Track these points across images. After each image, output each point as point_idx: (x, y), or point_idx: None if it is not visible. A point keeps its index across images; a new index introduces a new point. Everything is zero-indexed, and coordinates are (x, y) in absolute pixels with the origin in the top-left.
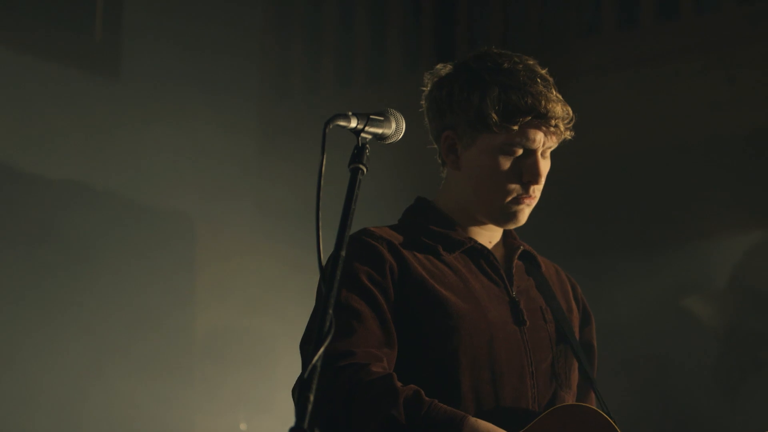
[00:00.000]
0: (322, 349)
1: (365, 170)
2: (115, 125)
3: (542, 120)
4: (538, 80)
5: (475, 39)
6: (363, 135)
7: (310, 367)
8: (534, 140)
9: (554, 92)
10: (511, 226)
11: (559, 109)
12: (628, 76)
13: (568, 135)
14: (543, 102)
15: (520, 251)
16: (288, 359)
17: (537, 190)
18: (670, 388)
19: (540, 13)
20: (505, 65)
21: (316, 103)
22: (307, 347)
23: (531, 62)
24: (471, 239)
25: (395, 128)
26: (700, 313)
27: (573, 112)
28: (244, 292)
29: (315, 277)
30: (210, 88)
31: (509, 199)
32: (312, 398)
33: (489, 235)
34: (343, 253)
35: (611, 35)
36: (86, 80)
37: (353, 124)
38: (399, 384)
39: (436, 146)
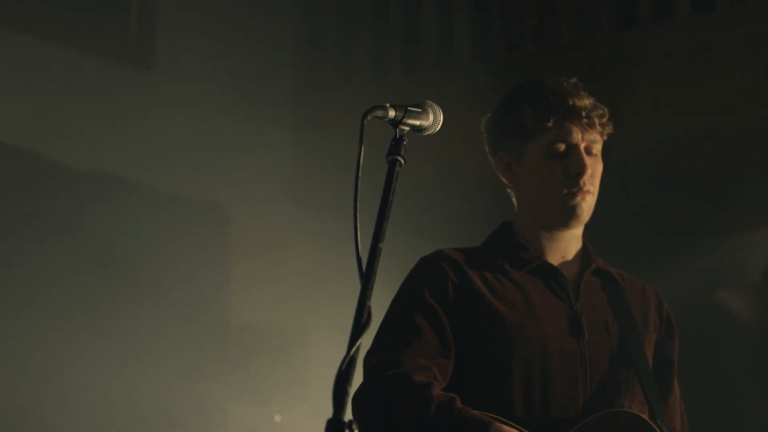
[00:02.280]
0: (359, 341)
1: (403, 162)
2: (149, 117)
3: (574, 114)
4: (564, 84)
5: (509, 31)
6: (401, 127)
7: (347, 358)
8: (571, 134)
9: (583, 92)
10: (576, 224)
11: (588, 103)
12: (664, 67)
13: (608, 129)
14: (570, 98)
15: (592, 268)
16: (322, 352)
17: (589, 184)
18: (703, 382)
19: (575, 4)
20: (535, 81)
21: (351, 94)
22: (371, 359)
23: (561, 78)
24: (539, 258)
25: (433, 120)
26: (734, 306)
27: (607, 109)
28: (278, 284)
29: (352, 270)
30: (245, 80)
31: (563, 195)
32: (349, 390)
33: (562, 251)
34: (381, 245)
35: (646, 27)
36: (121, 72)
37: (391, 115)
38: (437, 392)
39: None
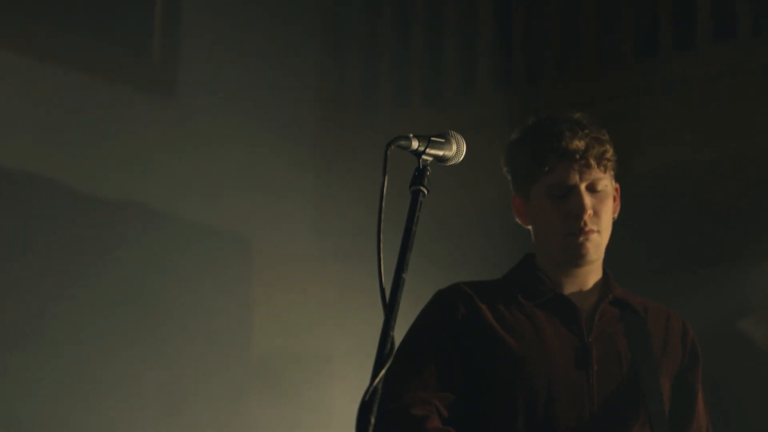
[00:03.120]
0: (383, 372)
1: (426, 192)
2: (171, 146)
3: (569, 156)
4: (563, 124)
5: (531, 60)
6: (424, 157)
7: (371, 388)
8: (568, 175)
9: (583, 131)
10: (583, 263)
11: (583, 144)
12: (687, 95)
13: (611, 164)
14: (565, 140)
15: (609, 298)
16: (345, 382)
17: (592, 223)
18: (723, 411)
19: (596, 34)
20: (535, 124)
21: (374, 123)
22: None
23: (568, 115)
24: (553, 290)
25: (456, 150)
26: (757, 335)
27: (609, 145)
28: (302, 315)
29: (375, 301)
30: (267, 109)
31: (566, 235)
32: (372, 420)
33: (579, 284)
34: (405, 276)
35: (669, 56)
36: (143, 101)
37: (414, 145)
38: (434, 425)
39: None
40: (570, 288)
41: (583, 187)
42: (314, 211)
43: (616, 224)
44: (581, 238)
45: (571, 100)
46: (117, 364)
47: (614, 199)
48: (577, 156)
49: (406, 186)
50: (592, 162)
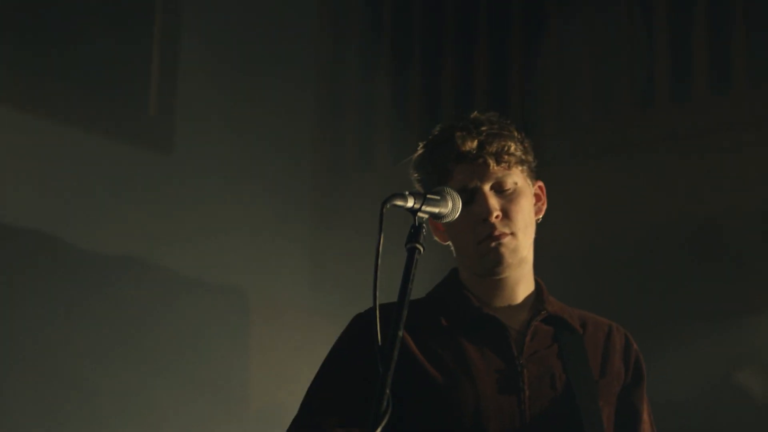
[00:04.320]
0: (380, 429)
1: (422, 250)
2: (168, 200)
3: (464, 159)
4: (457, 125)
5: (529, 109)
6: (420, 215)
7: None
8: (467, 179)
9: (477, 129)
10: (501, 270)
11: (476, 143)
12: (683, 147)
13: (516, 157)
14: (457, 142)
15: (542, 315)
16: None
17: (503, 226)
18: None
19: (593, 85)
20: (432, 134)
21: (370, 178)
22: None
23: (466, 116)
24: (479, 309)
25: (452, 207)
26: (754, 387)
27: (513, 140)
28: (298, 367)
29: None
30: (263, 162)
31: (479, 241)
32: None
33: (507, 297)
34: (401, 333)
35: (665, 108)
36: (140, 155)
37: (410, 203)
38: None
39: None
40: (498, 303)
41: (486, 188)
42: (310, 264)
43: (606, 276)
44: (493, 243)
45: (567, 149)
46: (113, 418)
47: (538, 198)
48: (472, 156)
49: (402, 239)
50: (490, 160)
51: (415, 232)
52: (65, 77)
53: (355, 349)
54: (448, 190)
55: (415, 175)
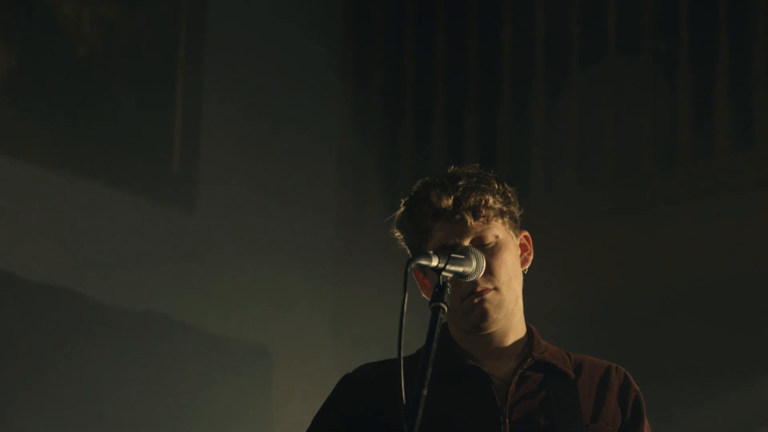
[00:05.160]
0: None
1: (446, 308)
2: (191, 257)
3: (441, 217)
4: (433, 183)
5: (551, 167)
6: (444, 273)
7: None
8: (445, 237)
9: (453, 185)
10: (487, 326)
11: (451, 200)
12: (705, 205)
13: (495, 211)
14: (433, 200)
15: (528, 363)
16: None
17: (486, 282)
18: None
19: (615, 141)
20: (412, 193)
21: (393, 235)
22: None
23: (444, 171)
24: (462, 361)
25: (476, 266)
26: None
27: (492, 193)
28: None
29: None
30: (286, 220)
31: (463, 298)
32: None
33: (496, 347)
34: (425, 392)
35: (688, 165)
36: (163, 213)
37: (434, 263)
38: None
39: None
40: (485, 354)
41: (466, 244)
42: (333, 321)
43: (620, 330)
44: (476, 300)
45: (589, 208)
46: None
47: (524, 248)
48: (449, 213)
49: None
50: (467, 216)
51: (439, 291)
52: (89, 136)
53: (332, 410)
54: (472, 249)
55: (397, 234)
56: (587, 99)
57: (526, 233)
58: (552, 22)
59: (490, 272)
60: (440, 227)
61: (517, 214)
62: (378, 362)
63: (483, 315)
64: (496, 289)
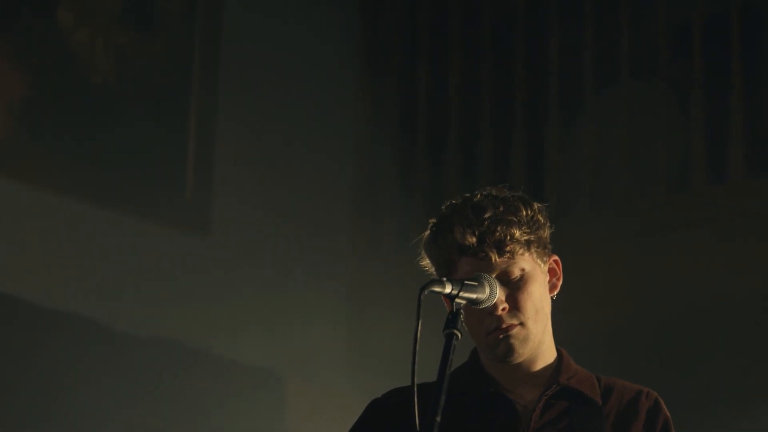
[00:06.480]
0: None
1: (459, 336)
2: (205, 283)
3: (466, 252)
4: (457, 214)
5: (564, 191)
6: (457, 300)
7: None
8: (472, 272)
9: (478, 219)
10: (513, 360)
11: (475, 238)
12: (719, 230)
13: (516, 249)
14: (457, 235)
15: (553, 389)
16: None
17: (511, 317)
18: None
19: (629, 166)
20: (435, 225)
21: (407, 261)
22: None
23: (469, 198)
24: (486, 387)
25: (489, 293)
26: None
27: (518, 226)
28: None
29: None
30: (301, 246)
31: (487, 335)
32: None
33: (524, 373)
34: (438, 419)
35: (702, 190)
36: (177, 238)
37: (448, 290)
38: None
39: None
40: (513, 382)
41: (492, 278)
42: (347, 348)
43: (638, 354)
44: (501, 336)
45: (602, 232)
46: None
47: (553, 273)
48: (473, 251)
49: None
50: (491, 254)
51: (452, 318)
52: (101, 161)
53: None
54: (485, 275)
55: (426, 261)
56: (602, 123)
57: (556, 257)
58: (565, 47)
59: (516, 307)
60: (466, 261)
61: (547, 235)
62: (406, 386)
63: (509, 350)
64: (521, 324)
